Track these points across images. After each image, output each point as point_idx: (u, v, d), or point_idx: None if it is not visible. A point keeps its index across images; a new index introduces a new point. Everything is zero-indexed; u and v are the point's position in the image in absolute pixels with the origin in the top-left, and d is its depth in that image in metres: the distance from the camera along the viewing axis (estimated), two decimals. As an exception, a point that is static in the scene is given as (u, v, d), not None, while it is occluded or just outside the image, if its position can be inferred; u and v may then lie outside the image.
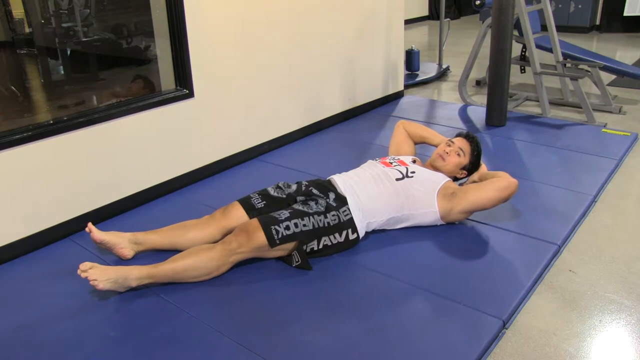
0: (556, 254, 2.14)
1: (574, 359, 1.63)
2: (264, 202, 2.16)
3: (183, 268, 1.89)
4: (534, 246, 2.16)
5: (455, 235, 2.25)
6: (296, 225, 1.97)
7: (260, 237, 1.92)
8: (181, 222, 2.15)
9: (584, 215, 2.43)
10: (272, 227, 1.93)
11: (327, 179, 2.27)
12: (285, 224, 1.96)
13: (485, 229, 2.29)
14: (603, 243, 2.24)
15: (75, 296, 1.92)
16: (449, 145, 2.37)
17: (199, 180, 2.86)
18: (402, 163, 2.31)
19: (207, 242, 2.07)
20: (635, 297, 1.89)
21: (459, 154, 2.34)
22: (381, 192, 2.17)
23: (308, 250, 2.03)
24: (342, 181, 2.20)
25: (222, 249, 1.93)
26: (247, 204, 2.15)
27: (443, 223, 2.27)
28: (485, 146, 3.27)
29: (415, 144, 2.66)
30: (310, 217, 2.01)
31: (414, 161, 2.40)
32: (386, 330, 1.70)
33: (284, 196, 2.18)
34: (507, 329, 1.74)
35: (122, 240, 2.07)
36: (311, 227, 2.00)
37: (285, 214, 1.99)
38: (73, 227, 2.34)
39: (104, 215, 2.46)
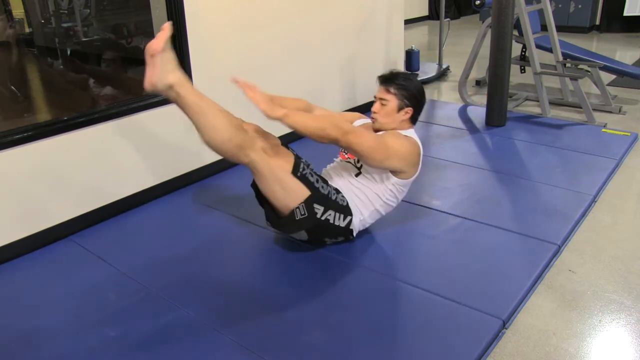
0: (556, 254, 2.14)
1: (574, 359, 1.63)
2: None
3: (212, 113, 1.82)
4: (534, 246, 2.15)
5: (455, 235, 2.25)
6: (317, 180, 1.99)
7: (289, 160, 1.93)
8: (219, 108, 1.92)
9: (583, 215, 2.43)
10: (302, 162, 1.96)
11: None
12: (310, 171, 1.99)
13: (485, 229, 2.29)
14: (603, 243, 2.24)
15: (75, 296, 1.92)
16: (374, 104, 2.21)
17: (199, 180, 2.86)
18: (351, 154, 2.20)
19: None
20: (635, 297, 1.89)
21: (383, 104, 2.16)
22: (352, 189, 2.12)
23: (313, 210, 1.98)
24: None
25: (252, 139, 1.87)
26: (284, 144, 2.09)
27: (415, 175, 2.17)
28: (485, 146, 3.27)
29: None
30: (328, 185, 2.03)
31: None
32: (386, 330, 1.70)
33: None
34: (507, 329, 1.74)
35: (167, 69, 1.80)
36: (326, 193, 2.00)
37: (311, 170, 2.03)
38: (73, 227, 2.34)
39: (104, 215, 2.46)
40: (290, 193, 1.93)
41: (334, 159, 2.34)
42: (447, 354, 1.60)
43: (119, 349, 1.66)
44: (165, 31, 1.75)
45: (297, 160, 1.96)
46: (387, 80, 2.17)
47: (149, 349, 1.65)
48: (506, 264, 2.05)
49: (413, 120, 2.22)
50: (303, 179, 1.93)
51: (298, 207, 1.95)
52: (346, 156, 2.25)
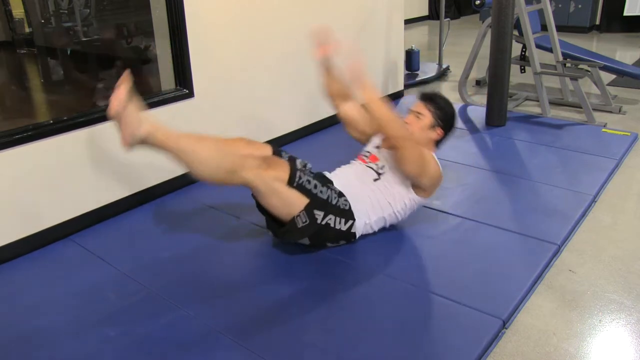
0: (556, 254, 2.14)
1: (574, 359, 1.63)
2: None
3: (196, 152, 1.81)
4: (534, 246, 2.15)
5: (455, 235, 2.25)
6: (315, 186, 1.97)
7: (284, 172, 1.90)
8: (202, 136, 1.92)
9: (583, 215, 2.43)
10: (298, 171, 1.94)
11: (326, 175, 2.23)
12: (307, 177, 1.96)
13: (485, 229, 2.29)
14: (603, 243, 2.24)
15: (75, 296, 1.92)
16: (409, 114, 2.30)
17: (199, 180, 2.86)
18: (374, 159, 2.25)
19: None
20: (635, 297, 1.89)
21: (418, 117, 2.24)
22: (365, 192, 2.14)
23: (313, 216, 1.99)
24: (338, 185, 2.15)
25: (242, 159, 1.85)
26: (277, 153, 2.12)
27: (428, 198, 2.24)
28: (485, 146, 3.27)
29: (345, 96, 2.44)
30: (328, 189, 2.02)
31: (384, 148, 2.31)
32: (386, 330, 1.70)
33: None
34: (507, 329, 1.74)
35: (136, 122, 1.80)
36: (325, 198, 1.99)
37: (309, 174, 2.01)
38: (73, 227, 2.34)
39: (104, 215, 2.46)
40: (289, 203, 1.94)
41: (351, 160, 2.34)
42: (447, 354, 1.60)
43: (119, 349, 1.66)
44: (122, 87, 1.74)
45: (293, 168, 1.94)
46: (428, 98, 2.27)
47: (149, 349, 1.65)
48: (506, 264, 2.05)
49: (438, 144, 2.30)
50: (300, 188, 1.93)
51: (299, 215, 1.95)
52: (367, 160, 2.27)
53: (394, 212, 2.18)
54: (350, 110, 2.45)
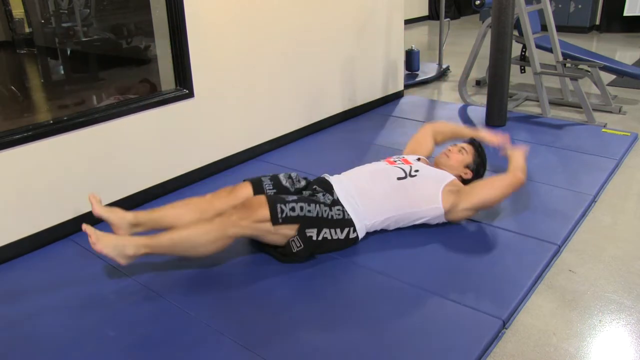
0: (556, 254, 2.14)
1: (574, 359, 1.63)
2: (275, 190, 2.16)
3: (179, 239, 1.90)
4: (534, 246, 2.16)
5: (456, 235, 2.25)
6: (302, 208, 1.97)
7: (264, 212, 1.91)
8: (184, 201, 2.13)
9: (583, 215, 2.43)
10: (278, 204, 1.94)
11: (326, 179, 2.25)
12: (291, 205, 1.96)
13: (485, 229, 2.29)
14: (603, 243, 2.24)
15: (75, 296, 1.92)
16: (454, 146, 2.48)
17: (199, 180, 2.86)
18: (406, 162, 2.31)
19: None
20: (635, 297, 1.89)
21: (461, 152, 2.43)
22: (378, 191, 2.16)
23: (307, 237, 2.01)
24: (339, 188, 2.17)
25: (221, 221, 1.91)
26: (258, 186, 2.15)
27: (445, 221, 2.26)
28: (486, 146, 3.26)
29: (443, 142, 2.71)
30: (317, 205, 2.02)
31: (419, 159, 2.41)
32: (386, 330, 1.70)
33: (293, 190, 2.19)
34: (507, 329, 1.74)
35: (120, 223, 2.04)
36: (315, 215, 1.99)
37: (292, 197, 2.01)
38: (73, 227, 2.34)
39: (104, 215, 2.46)
40: (283, 235, 1.97)
41: (373, 162, 2.38)
42: (447, 354, 1.60)
43: (119, 349, 1.66)
44: (90, 233, 1.86)
45: (273, 207, 1.93)
46: (477, 145, 2.50)
47: (149, 349, 1.65)
48: (506, 264, 2.05)
49: (462, 180, 2.39)
50: (286, 221, 1.94)
51: (293, 240, 1.98)
52: (397, 162, 2.30)
53: (404, 214, 2.19)
54: (430, 145, 2.65)
